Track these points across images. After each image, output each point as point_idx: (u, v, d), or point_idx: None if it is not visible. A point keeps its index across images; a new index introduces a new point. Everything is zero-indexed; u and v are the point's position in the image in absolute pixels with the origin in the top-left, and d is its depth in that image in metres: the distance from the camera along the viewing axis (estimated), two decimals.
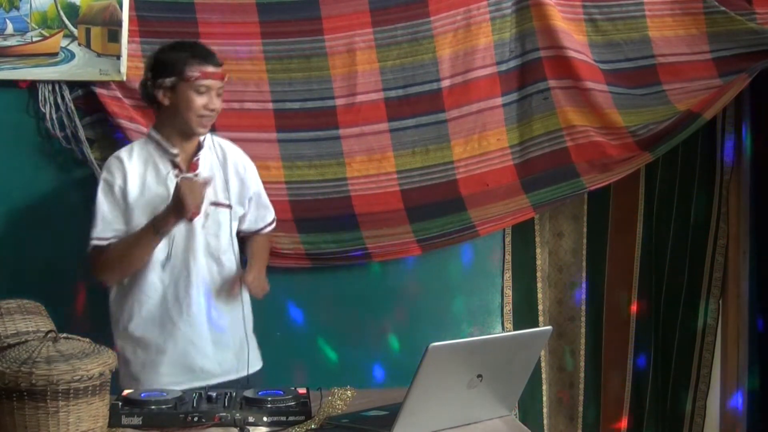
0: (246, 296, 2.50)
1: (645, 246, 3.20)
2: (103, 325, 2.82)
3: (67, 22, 2.76)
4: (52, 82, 2.79)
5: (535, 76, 2.99)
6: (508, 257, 3.12)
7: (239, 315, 2.47)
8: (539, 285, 3.16)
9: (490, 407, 2.03)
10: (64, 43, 2.76)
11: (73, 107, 2.81)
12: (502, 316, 3.13)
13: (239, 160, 2.54)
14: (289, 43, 2.89)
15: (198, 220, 2.39)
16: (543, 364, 3.18)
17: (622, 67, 3.01)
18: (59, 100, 2.81)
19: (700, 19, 2.97)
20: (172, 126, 2.40)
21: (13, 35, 2.74)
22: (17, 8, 2.73)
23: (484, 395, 1.97)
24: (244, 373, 2.46)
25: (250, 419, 1.99)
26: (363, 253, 2.93)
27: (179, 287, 2.41)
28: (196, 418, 1.98)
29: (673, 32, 3.00)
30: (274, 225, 2.66)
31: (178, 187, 2.28)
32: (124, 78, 2.80)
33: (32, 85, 2.80)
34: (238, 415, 1.99)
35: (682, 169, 3.17)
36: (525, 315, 3.15)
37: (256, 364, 2.53)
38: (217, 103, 2.39)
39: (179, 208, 2.26)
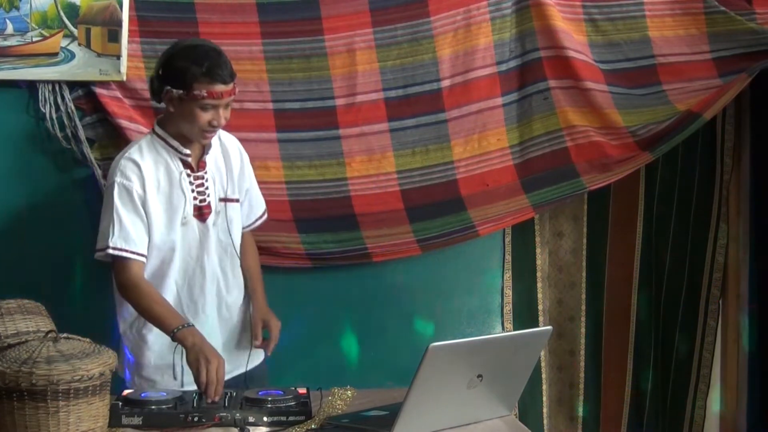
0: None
1: (645, 246, 3.19)
2: (103, 325, 2.83)
3: (67, 22, 2.76)
4: (52, 82, 2.79)
5: (535, 76, 2.99)
6: (508, 257, 3.12)
7: (245, 311, 2.48)
8: (539, 285, 3.16)
9: (490, 407, 2.03)
10: (64, 43, 2.76)
11: (73, 107, 2.81)
12: (502, 316, 3.13)
13: (237, 150, 2.52)
14: (289, 43, 2.89)
15: (210, 218, 2.39)
16: (543, 364, 3.17)
17: (622, 67, 3.01)
18: (59, 100, 2.80)
19: (700, 19, 2.97)
20: (178, 130, 2.36)
21: (13, 35, 2.73)
22: (17, 8, 2.73)
23: (484, 395, 1.97)
24: (247, 368, 2.45)
25: (250, 419, 1.99)
26: (363, 253, 2.93)
27: (194, 287, 2.40)
28: (196, 418, 1.98)
29: (673, 32, 3.00)
30: (265, 218, 2.62)
31: (203, 356, 2.14)
32: (124, 78, 2.80)
33: (32, 85, 2.80)
34: (238, 415, 1.99)
35: (682, 169, 3.17)
36: (525, 315, 3.14)
37: (257, 359, 2.52)
38: (224, 117, 2.31)
39: (190, 359, 2.17)
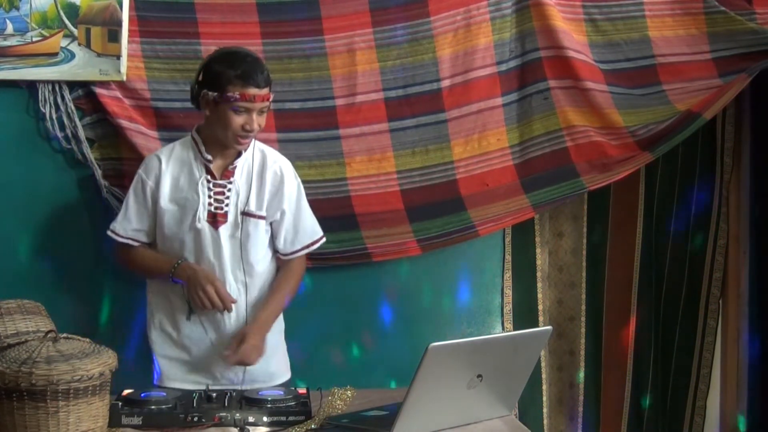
0: None
1: (645, 246, 3.19)
2: (103, 325, 2.83)
3: (67, 22, 2.76)
4: (52, 82, 2.79)
5: (535, 76, 2.99)
6: (508, 257, 3.12)
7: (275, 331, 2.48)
8: (539, 285, 3.16)
9: (490, 407, 2.03)
10: (64, 43, 2.76)
11: (73, 107, 2.81)
12: (502, 316, 3.13)
13: (278, 169, 2.46)
14: (289, 43, 2.89)
15: (225, 230, 2.39)
16: (543, 364, 3.18)
17: (622, 67, 3.01)
18: (59, 100, 2.81)
19: (700, 19, 2.98)
20: (212, 134, 2.38)
21: (13, 35, 2.74)
22: (17, 8, 2.73)
23: (484, 395, 1.97)
24: (270, 383, 2.44)
25: (250, 419, 2.00)
26: (363, 253, 2.93)
27: None
28: (196, 418, 1.98)
29: (673, 32, 3.00)
30: (314, 247, 2.56)
31: (197, 286, 2.32)
32: (124, 78, 2.80)
33: (32, 85, 2.80)
34: (238, 415, 1.99)
35: (682, 168, 3.17)
36: (525, 315, 3.14)
37: (284, 375, 2.54)
38: (258, 123, 2.33)
39: (190, 293, 2.34)
